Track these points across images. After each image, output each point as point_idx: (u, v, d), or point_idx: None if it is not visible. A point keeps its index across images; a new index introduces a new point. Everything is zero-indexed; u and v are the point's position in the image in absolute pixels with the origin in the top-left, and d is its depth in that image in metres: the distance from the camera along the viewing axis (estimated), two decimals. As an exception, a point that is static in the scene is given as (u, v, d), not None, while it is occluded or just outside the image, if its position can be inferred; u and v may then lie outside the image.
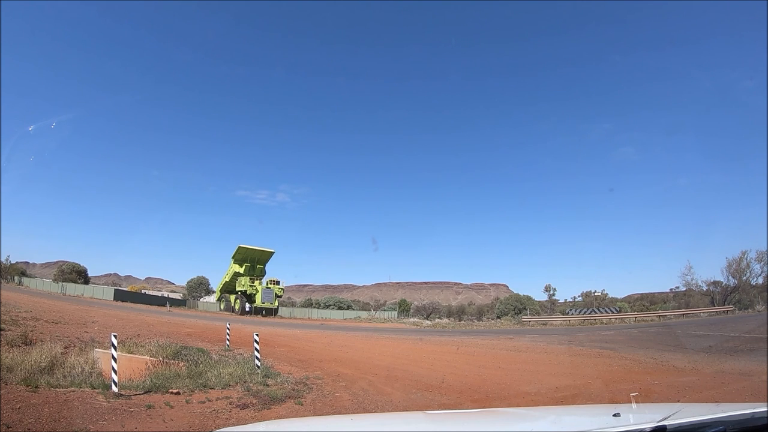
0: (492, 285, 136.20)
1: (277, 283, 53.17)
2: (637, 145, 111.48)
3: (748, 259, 39.86)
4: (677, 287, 48.94)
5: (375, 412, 7.09)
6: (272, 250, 53.95)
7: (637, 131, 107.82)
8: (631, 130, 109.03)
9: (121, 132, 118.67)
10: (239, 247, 51.65)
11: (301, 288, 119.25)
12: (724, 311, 34.77)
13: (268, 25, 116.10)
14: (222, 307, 53.34)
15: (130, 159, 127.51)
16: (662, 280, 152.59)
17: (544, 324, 36.81)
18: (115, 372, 7.15)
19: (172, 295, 64.88)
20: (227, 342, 14.94)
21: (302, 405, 7.34)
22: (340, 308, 64.79)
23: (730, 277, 40.55)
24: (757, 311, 34.00)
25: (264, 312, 49.31)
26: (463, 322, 48.16)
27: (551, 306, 52.50)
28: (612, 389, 8.70)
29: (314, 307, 63.43)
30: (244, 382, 8.57)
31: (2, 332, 12.23)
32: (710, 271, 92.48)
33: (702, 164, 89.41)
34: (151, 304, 48.21)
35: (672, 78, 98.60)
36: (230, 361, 10.92)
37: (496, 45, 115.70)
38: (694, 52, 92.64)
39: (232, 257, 52.39)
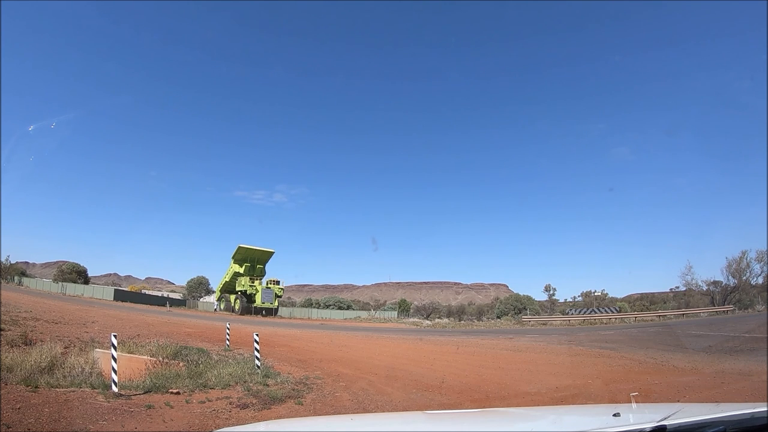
0: (492, 285, 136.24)
1: (277, 283, 53.19)
2: (632, 145, 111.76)
3: (748, 259, 39.91)
4: (677, 287, 48.99)
5: (375, 412, 7.08)
6: (272, 250, 54.07)
7: (634, 131, 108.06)
8: (628, 130, 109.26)
9: (121, 132, 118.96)
10: (239, 247, 51.66)
11: (301, 288, 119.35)
12: (724, 311, 34.76)
13: (267, 25, 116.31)
14: (222, 307, 53.38)
15: (129, 159, 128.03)
16: (662, 280, 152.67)
17: (544, 324, 36.81)
18: (115, 372, 7.14)
19: (172, 295, 64.88)
20: (227, 342, 14.94)
21: (302, 405, 7.34)
22: (340, 308, 64.80)
23: (730, 277, 40.60)
24: (757, 311, 34.00)
25: (264, 312, 49.33)
26: (463, 322, 48.16)
27: (551, 306, 52.49)
28: (612, 389, 8.70)
29: (314, 307, 63.44)
30: (244, 382, 8.56)
31: (2, 332, 12.22)
32: (710, 271, 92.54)
33: (701, 164, 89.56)
34: (151, 304, 48.23)
35: (671, 78, 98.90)
36: (230, 361, 10.92)
37: (494, 45, 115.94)
38: (693, 52, 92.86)
39: (232, 257, 52.40)
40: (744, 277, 39.83)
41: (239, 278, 51.54)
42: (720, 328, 21.14)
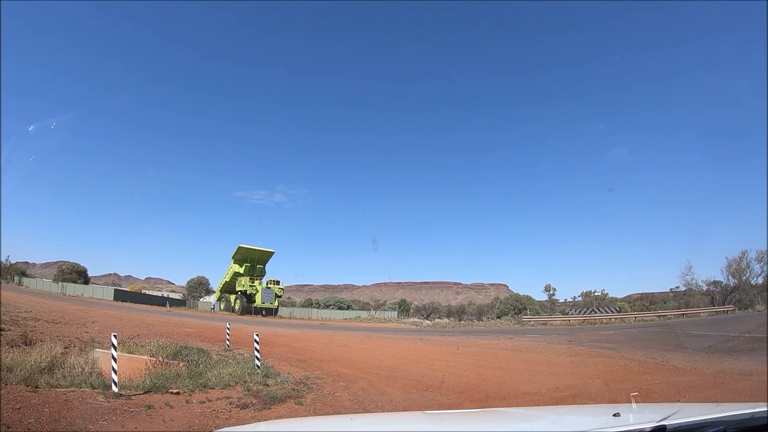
0: (492, 285, 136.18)
1: (277, 283, 53.20)
2: (632, 145, 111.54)
3: (748, 259, 39.89)
4: (677, 287, 48.96)
5: (375, 411, 7.08)
6: (272, 250, 54.09)
7: (634, 131, 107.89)
8: (628, 130, 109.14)
9: (121, 132, 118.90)
10: (239, 247, 51.67)
11: (301, 288, 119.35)
12: (724, 311, 34.76)
13: (268, 25, 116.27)
14: (222, 306, 53.44)
15: (129, 159, 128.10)
16: (662, 280, 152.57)
17: (544, 324, 36.81)
18: (115, 372, 7.14)
19: (172, 295, 64.92)
20: (227, 342, 14.94)
21: (302, 405, 7.34)
22: (340, 308, 64.80)
23: (730, 277, 40.59)
24: (757, 311, 33.99)
25: (264, 312, 49.34)
26: (463, 322, 48.16)
27: (551, 306, 52.49)
28: (612, 389, 8.70)
29: (314, 307, 63.45)
30: (244, 382, 8.57)
31: (2, 332, 12.22)
32: (710, 271, 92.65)
33: (701, 164, 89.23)
34: (151, 304, 48.24)
35: (671, 78, 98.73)
36: (230, 361, 10.92)
37: (494, 45, 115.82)
38: (693, 52, 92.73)
39: (232, 257, 52.41)
40: (744, 277, 39.84)
41: (239, 278, 51.55)
42: (720, 328, 21.13)
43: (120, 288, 63.93)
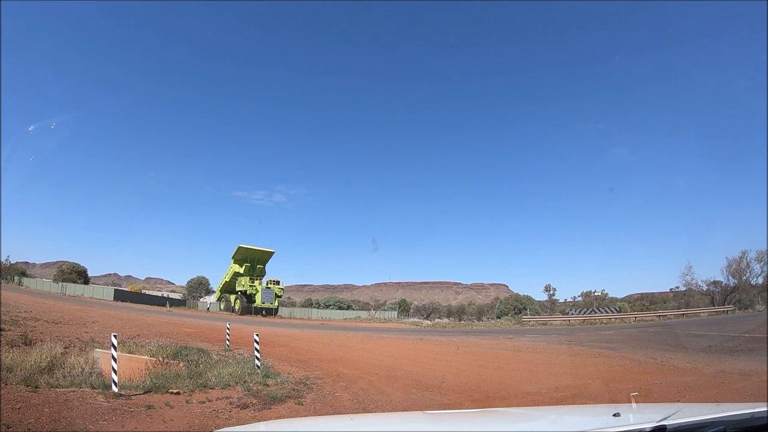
0: (492, 285, 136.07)
1: (277, 283, 53.18)
2: (632, 145, 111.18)
3: (748, 259, 39.89)
4: (677, 287, 48.94)
5: (375, 411, 7.08)
6: (272, 250, 54.05)
7: (634, 131, 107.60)
8: (628, 130, 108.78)
9: (121, 132, 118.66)
10: (239, 247, 51.67)
11: (301, 288, 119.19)
12: (724, 311, 34.77)
13: (267, 25, 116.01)
14: (222, 306, 53.45)
15: (129, 159, 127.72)
16: (662, 280, 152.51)
17: (544, 324, 36.82)
18: (115, 372, 7.14)
19: (172, 295, 64.91)
20: (227, 342, 14.94)
21: (302, 405, 7.34)
22: (340, 308, 64.81)
23: (730, 277, 40.59)
24: (757, 311, 34.00)
25: (264, 312, 49.34)
26: (463, 322, 48.17)
27: (551, 306, 52.49)
28: (612, 389, 8.70)
29: (314, 307, 63.46)
30: (244, 382, 8.57)
31: (2, 332, 12.22)
32: (710, 271, 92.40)
33: (701, 164, 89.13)
34: (151, 304, 48.24)
35: (671, 78, 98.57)
36: (230, 361, 10.92)
37: (494, 45, 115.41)
38: (693, 52, 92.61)
39: (232, 257, 52.40)
40: (744, 277, 39.84)
41: (239, 278, 51.54)
42: (720, 328, 21.13)
43: (120, 288, 63.91)
